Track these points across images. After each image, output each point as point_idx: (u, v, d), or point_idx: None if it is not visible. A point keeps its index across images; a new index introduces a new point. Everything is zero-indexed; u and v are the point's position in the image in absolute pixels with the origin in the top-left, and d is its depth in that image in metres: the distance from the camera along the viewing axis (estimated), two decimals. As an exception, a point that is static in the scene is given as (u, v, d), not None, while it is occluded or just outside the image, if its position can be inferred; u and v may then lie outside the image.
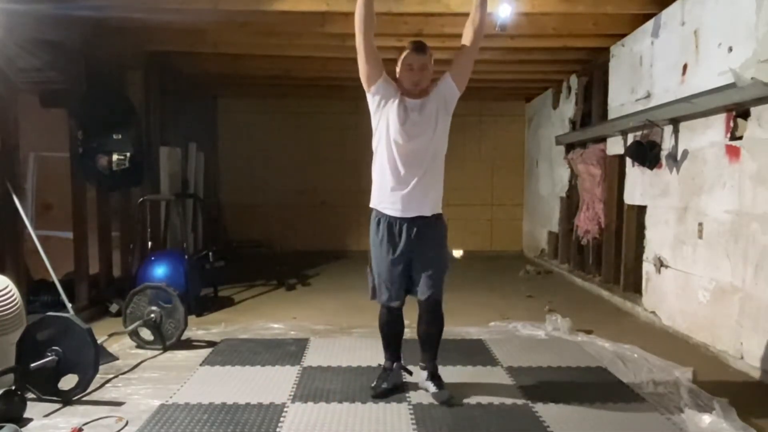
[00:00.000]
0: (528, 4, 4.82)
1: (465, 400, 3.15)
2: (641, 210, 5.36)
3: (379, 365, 3.41)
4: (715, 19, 4.11)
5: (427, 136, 3.02)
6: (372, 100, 3.09)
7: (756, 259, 3.67)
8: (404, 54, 3.03)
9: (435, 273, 3.08)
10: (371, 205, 3.18)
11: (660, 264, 4.88)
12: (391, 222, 3.07)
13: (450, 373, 3.50)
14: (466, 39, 3.04)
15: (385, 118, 3.04)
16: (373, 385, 3.25)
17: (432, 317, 3.16)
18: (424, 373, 3.24)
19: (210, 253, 5.97)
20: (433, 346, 3.22)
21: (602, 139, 6.25)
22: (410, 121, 3.00)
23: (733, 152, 3.94)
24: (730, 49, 3.89)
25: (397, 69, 3.07)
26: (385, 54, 3.16)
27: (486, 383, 3.47)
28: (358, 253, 9.54)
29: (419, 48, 3.02)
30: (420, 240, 3.05)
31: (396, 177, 3.03)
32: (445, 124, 3.08)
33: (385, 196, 3.08)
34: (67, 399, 3.10)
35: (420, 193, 3.03)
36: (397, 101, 3.02)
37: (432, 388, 3.17)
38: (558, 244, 7.97)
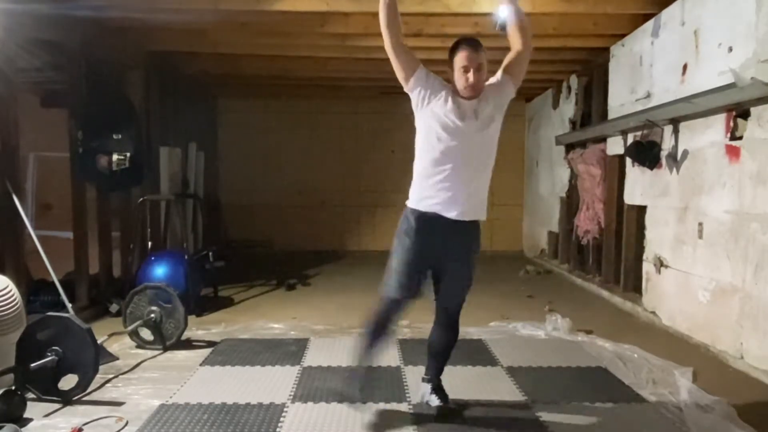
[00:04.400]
0: (528, 4, 4.81)
1: (465, 400, 3.15)
2: (641, 210, 5.35)
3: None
4: (715, 19, 4.11)
5: (480, 139, 2.82)
6: (413, 97, 2.86)
7: (756, 259, 3.67)
8: (457, 53, 2.78)
9: (465, 284, 2.95)
10: (409, 204, 2.90)
11: (660, 264, 4.88)
12: (432, 220, 2.82)
13: (450, 373, 3.49)
14: (518, 44, 2.89)
15: (430, 115, 2.81)
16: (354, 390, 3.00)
17: (451, 327, 3.02)
18: (428, 386, 3.10)
19: (210, 253, 5.96)
20: (445, 358, 3.10)
21: (602, 139, 6.25)
22: (465, 121, 2.78)
23: (733, 152, 3.94)
24: (730, 49, 3.89)
25: (450, 69, 2.83)
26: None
27: (486, 383, 3.47)
28: (358, 253, 9.54)
29: (474, 46, 2.77)
30: (457, 245, 2.86)
31: (442, 177, 2.79)
32: (497, 127, 2.89)
33: (428, 194, 2.83)
34: (67, 399, 3.10)
35: (465, 195, 2.81)
36: (448, 98, 2.79)
37: (435, 401, 3.03)
38: (558, 244, 7.97)
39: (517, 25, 2.90)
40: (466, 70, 2.75)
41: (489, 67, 2.87)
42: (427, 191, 2.83)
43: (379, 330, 2.93)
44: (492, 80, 2.90)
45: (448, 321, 3.02)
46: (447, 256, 2.87)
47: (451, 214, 2.80)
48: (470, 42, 2.79)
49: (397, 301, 2.88)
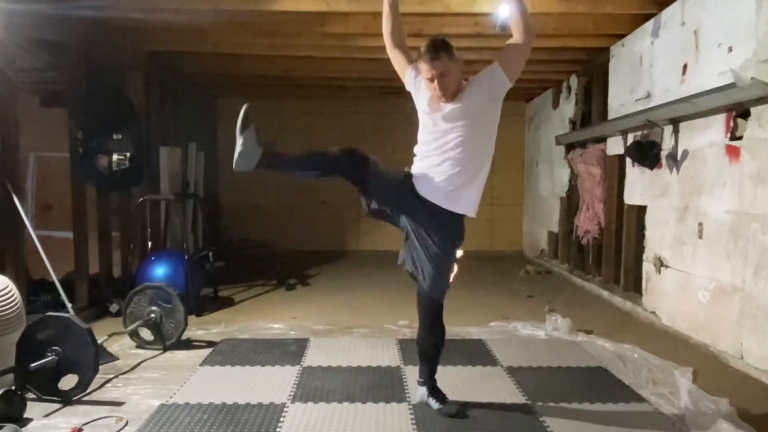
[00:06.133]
0: (528, 4, 4.78)
1: (465, 401, 3.15)
2: (641, 210, 5.35)
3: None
4: (715, 19, 4.11)
5: (456, 134, 2.78)
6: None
7: (756, 259, 3.67)
8: (419, 62, 2.78)
9: (432, 270, 2.87)
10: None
11: (660, 264, 4.88)
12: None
13: (450, 373, 3.51)
14: (514, 32, 2.83)
15: (419, 110, 2.95)
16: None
17: (433, 327, 2.98)
18: (424, 389, 3.07)
19: (210, 253, 5.96)
20: (434, 359, 3.05)
21: (602, 139, 6.25)
22: (439, 118, 2.82)
23: (733, 152, 3.94)
24: (730, 49, 3.89)
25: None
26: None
27: (486, 383, 3.47)
28: (358, 253, 9.54)
29: (434, 52, 2.71)
30: (430, 218, 2.84)
31: (423, 163, 2.87)
32: (488, 118, 2.85)
33: (415, 171, 2.90)
34: (67, 399, 3.10)
35: (442, 183, 2.81)
36: (428, 95, 2.86)
37: (435, 404, 3.02)
38: (558, 244, 7.97)
39: (515, 15, 2.84)
40: (430, 80, 2.78)
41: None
42: (415, 170, 2.91)
43: (316, 161, 2.96)
44: (482, 72, 2.86)
45: (424, 311, 2.99)
46: (418, 218, 2.86)
47: (424, 192, 2.83)
48: (430, 50, 2.72)
49: (354, 160, 2.79)
